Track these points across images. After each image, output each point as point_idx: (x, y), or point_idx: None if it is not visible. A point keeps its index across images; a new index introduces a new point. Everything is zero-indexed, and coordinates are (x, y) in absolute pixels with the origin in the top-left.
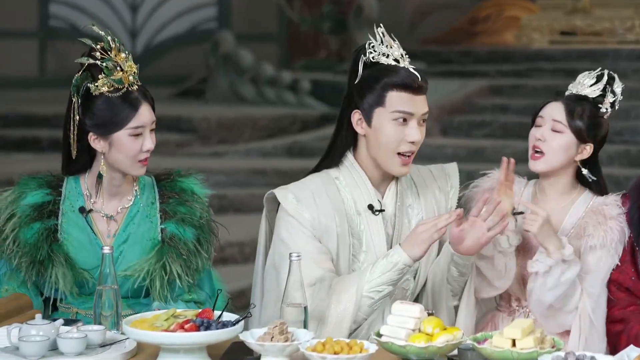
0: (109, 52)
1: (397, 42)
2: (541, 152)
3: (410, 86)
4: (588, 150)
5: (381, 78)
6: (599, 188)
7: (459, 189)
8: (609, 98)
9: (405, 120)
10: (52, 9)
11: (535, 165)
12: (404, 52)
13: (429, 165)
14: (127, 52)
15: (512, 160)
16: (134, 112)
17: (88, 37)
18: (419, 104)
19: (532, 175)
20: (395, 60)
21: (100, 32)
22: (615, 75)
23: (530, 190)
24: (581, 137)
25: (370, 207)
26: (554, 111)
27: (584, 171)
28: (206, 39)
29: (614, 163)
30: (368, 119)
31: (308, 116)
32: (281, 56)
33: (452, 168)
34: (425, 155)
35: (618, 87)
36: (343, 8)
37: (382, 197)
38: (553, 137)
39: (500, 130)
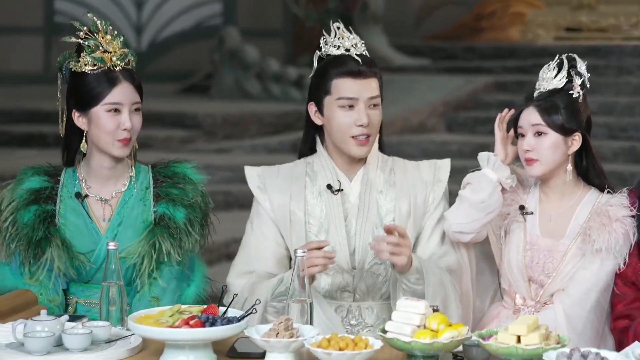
0: (95, 34)
1: (352, 34)
2: (534, 160)
3: (352, 71)
4: (577, 139)
5: (327, 68)
6: (599, 180)
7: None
8: (577, 81)
9: (351, 106)
10: (57, 5)
11: (532, 170)
12: (358, 42)
13: (423, 160)
14: (113, 36)
15: (506, 112)
16: (111, 88)
17: (86, 26)
18: (362, 88)
19: None
20: (347, 50)
21: (94, 18)
22: (575, 56)
23: (537, 190)
24: (565, 131)
25: (329, 186)
26: (530, 117)
27: (568, 167)
28: (211, 34)
29: (618, 159)
30: (320, 109)
31: None
32: (286, 52)
33: (444, 162)
34: (429, 151)
35: (581, 66)
36: (348, 4)
37: (351, 182)
38: (539, 142)
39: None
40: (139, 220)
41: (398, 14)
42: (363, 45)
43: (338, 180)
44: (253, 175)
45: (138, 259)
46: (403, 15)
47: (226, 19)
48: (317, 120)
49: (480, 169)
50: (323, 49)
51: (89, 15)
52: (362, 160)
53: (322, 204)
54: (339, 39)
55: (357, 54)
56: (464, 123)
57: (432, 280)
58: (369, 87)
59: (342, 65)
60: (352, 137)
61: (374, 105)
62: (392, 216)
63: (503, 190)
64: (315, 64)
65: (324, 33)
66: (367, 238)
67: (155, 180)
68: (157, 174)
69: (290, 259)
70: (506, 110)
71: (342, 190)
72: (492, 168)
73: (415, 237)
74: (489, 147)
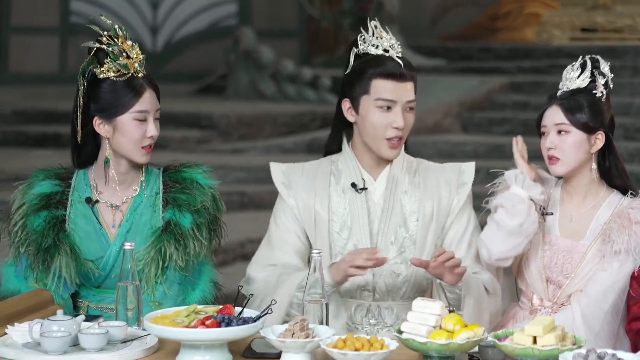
0: (116, 39)
1: (389, 34)
2: (557, 158)
3: (393, 74)
4: (600, 138)
5: (367, 68)
6: (621, 180)
7: (488, 187)
8: (600, 81)
9: (389, 107)
10: (73, 6)
11: (555, 170)
12: (395, 43)
13: (448, 162)
14: (133, 41)
15: (520, 139)
16: (138, 97)
17: (100, 29)
18: (402, 92)
19: None
20: (385, 50)
21: (108, 21)
22: (598, 57)
23: (559, 190)
24: (588, 129)
25: (353, 185)
26: (554, 116)
27: (593, 166)
28: (227, 35)
29: (634, 160)
30: (356, 107)
31: (328, 113)
32: (301, 52)
33: (469, 166)
34: (445, 152)
35: (605, 67)
36: (363, 4)
37: (375, 181)
38: (562, 140)
39: (521, 127)
40: (148, 226)
41: (413, 14)
42: (399, 46)
43: (362, 179)
44: (278, 171)
45: (145, 265)
46: (418, 15)
47: (241, 20)
48: (349, 117)
49: (497, 170)
50: (361, 47)
51: (102, 17)
52: (387, 161)
53: (346, 202)
54: (377, 38)
55: (397, 56)
56: (479, 123)
57: (474, 292)
58: (407, 90)
59: (383, 66)
60: (386, 139)
61: (410, 108)
62: (416, 216)
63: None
64: (351, 61)
65: (362, 30)
66: (390, 237)
67: (165, 185)
68: (167, 179)
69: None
70: (520, 138)
71: (367, 189)
72: (521, 186)
73: (437, 238)
74: (504, 148)
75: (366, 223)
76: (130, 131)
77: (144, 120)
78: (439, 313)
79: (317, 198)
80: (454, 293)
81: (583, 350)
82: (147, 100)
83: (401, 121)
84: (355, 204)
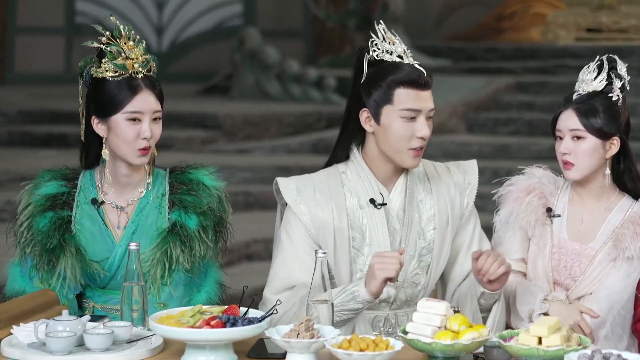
0: (117, 39)
1: (398, 37)
2: (571, 164)
3: (417, 82)
4: (615, 144)
5: (387, 75)
6: (633, 184)
7: (495, 187)
8: (617, 84)
9: (413, 117)
10: (79, 6)
11: (569, 175)
12: (406, 48)
13: (448, 162)
14: (136, 41)
15: None
16: (132, 97)
17: (108, 29)
18: (425, 100)
19: None
20: (399, 56)
21: (116, 22)
22: (615, 57)
23: (567, 193)
24: (604, 135)
25: (372, 201)
26: (569, 121)
27: (607, 172)
28: (232, 35)
29: None
30: (376, 117)
31: (333, 113)
32: (307, 53)
33: (471, 165)
34: (450, 152)
35: (622, 68)
36: (369, 4)
37: (390, 193)
38: (577, 146)
39: (526, 128)
40: (153, 227)
41: (418, 14)
42: (410, 52)
43: (380, 194)
44: (290, 187)
45: (151, 267)
46: (423, 15)
47: (246, 20)
48: (368, 127)
49: (522, 169)
50: (374, 53)
51: (111, 18)
52: (400, 171)
53: (364, 217)
54: (389, 43)
55: (417, 64)
56: (485, 124)
57: (502, 300)
58: (429, 98)
59: (405, 75)
60: (410, 148)
61: (430, 117)
62: (433, 225)
63: (532, 194)
64: (365, 68)
65: (372, 35)
66: (410, 249)
67: (171, 186)
68: (173, 180)
69: (329, 270)
70: None
71: (386, 204)
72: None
73: (452, 240)
74: (509, 148)
75: (387, 239)
76: (123, 131)
77: (137, 121)
78: (444, 313)
79: (336, 215)
80: (492, 299)
81: (588, 351)
82: (140, 101)
83: (427, 130)
84: (374, 220)
